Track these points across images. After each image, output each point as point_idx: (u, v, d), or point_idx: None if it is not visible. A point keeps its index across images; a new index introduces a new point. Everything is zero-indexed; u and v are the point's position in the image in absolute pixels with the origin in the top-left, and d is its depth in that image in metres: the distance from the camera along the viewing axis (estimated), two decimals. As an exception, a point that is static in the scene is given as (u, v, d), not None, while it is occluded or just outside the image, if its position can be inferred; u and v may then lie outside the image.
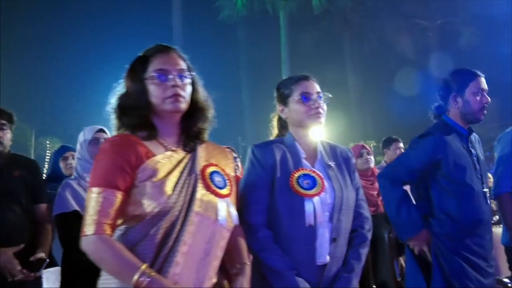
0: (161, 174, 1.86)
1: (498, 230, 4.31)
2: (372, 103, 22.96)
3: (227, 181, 2.03)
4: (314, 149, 2.51)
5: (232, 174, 2.12)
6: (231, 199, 2.03)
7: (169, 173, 1.88)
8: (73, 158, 4.31)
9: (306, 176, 2.36)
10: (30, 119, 20.81)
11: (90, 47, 20.94)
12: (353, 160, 2.62)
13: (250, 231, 2.25)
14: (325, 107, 2.48)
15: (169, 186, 1.85)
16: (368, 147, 5.25)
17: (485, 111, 3.09)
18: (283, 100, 2.52)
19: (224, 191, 1.99)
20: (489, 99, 3.09)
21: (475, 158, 3.09)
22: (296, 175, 2.36)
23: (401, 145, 5.96)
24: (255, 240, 2.27)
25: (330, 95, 2.51)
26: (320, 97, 2.48)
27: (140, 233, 1.82)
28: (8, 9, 20.39)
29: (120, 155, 1.84)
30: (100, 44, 20.66)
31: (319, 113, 2.44)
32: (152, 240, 1.80)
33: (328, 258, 2.34)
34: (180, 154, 1.97)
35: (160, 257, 1.80)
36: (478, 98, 3.07)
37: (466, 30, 21.47)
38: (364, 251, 2.46)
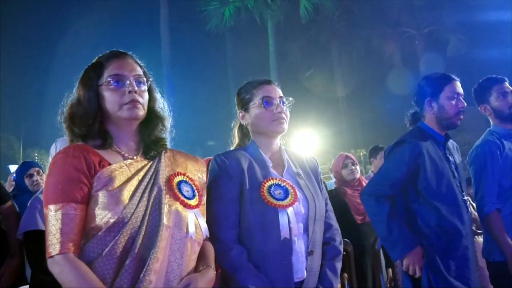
0: (117, 182, 1.75)
1: (480, 240, 4.25)
2: (361, 111, 23.03)
3: (195, 191, 1.94)
4: (280, 158, 2.37)
5: (202, 182, 2.02)
6: (200, 210, 1.93)
7: (126, 181, 1.77)
8: (38, 174, 4.32)
9: (277, 186, 2.21)
10: (18, 131, 20.67)
11: (77, 59, 20.83)
12: (319, 169, 2.50)
13: (222, 249, 2.11)
14: (288, 113, 2.35)
15: (125, 195, 1.73)
16: (352, 157, 5.10)
17: (461, 116, 2.98)
18: (244, 105, 2.38)
19: (193, 202, 1.89)
20: (465, 104, 2.98)
21: (453, 166, 2.99)
22: (267, 185, 2.20)
23: None
24: (228, 260, 2.11)
25: (293, 100, 2.39)
26: (283, 102, 2.34)
27: (96, 248, 1.69)
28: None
29: (72, 166, 1.72)
30: (88, 56, 20.58)
31: (282, 118, 2.30)
32: (111, 256, 1.68)
33: (305, 273, 2.19)
34: (140, 162, 1.87)
35: (124, 274, 1.67)
36: (453, 102, 2.97)
37: (453, 37, 21.61)
38: (339, 265, 2.32)
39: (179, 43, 21.81)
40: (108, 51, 1.94)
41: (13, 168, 5.65)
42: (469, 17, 20.48)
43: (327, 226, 2.36)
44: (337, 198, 4.71)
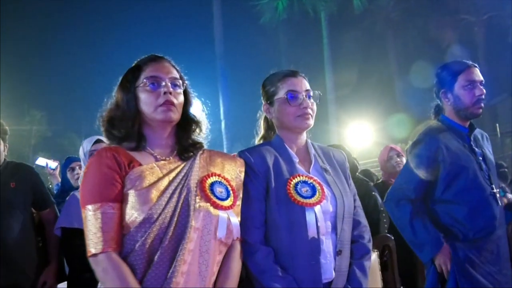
0: (146, 182, 1.77)
1: None
2: (419, 103, 22.46)
3: (230, 192, 1.92)
4: (306, 153, 2.27)
5: (240, 181, 2.01)
6: (234, 211, 1.92)
7: (156, 181, 1.79)
8: (80, 168, 4.34)
9: (303, 183, 2.11)
10: (79, 129, 21.26)
11: (114, 52, 21.12)
12: (347, 164, 2.39)
13: (248, 250, 2.03)
14: (314, 107, 2.23)
15: (154, 195, 1.76)
16: (398, 148, 4.97)
17: (482, 104, 2.84)
18: (269, 98, 2.28)
19: (226, 203, 1.88)
20: (484, 91, 2.84)
21: (480, 158, 2.83)
22: (293, 182, 2.10)
23: None
24: (254, 262, 2.03)
25: (320, 93, 2.28)
26: (310, 96, 2.22)
27: (125, 247, 1.73)
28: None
29: (106, 166, 1.77)
30: (133, 51, 20.94)
31: (307, 114, 2.19)
32: (138, 256, 1.71)
33: (334, 273, 2.10)
34: (173, 163, 1.88)
35: (150, 275, 1.70)
36: (469, 91, 2.83)
37: (513, 23, 20.77)
38: (369, 264, 2.21)
39: (233, 37, 21.87)
40: (146, 55, 1.98)
41: (41, 161, 5.72)
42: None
43: (356, 223, 2.26)
44: (385, 190, 4.66)
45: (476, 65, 2.94)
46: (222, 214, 1.85)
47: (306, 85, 2.23)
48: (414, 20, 22.52)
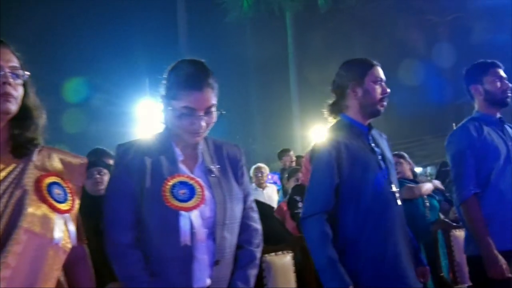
0: None
1: (457, 233, 4.03)
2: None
3: (68, 195, 1.76)
4: (194, 150, 2.09)
5: (79, 185, 1.83)
6: (71, 215, 1.75)
7: None
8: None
9: (182, 184, 1.95)
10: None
11: (90, 48, 20.78)
12: (243, 161, 2.21)
13: (115, 253, 1.93)
14: (212, 121, 2.03)
15: None
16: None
17: (385, 103, 2.75)
18: (165, 98, 2.07)
19: (64, 206, 1.72)
20: (389, 90, 2.76)
21: (379, 157, 2.71)
22: (170, 183, 1.94)
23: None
24: (121, 266, 1.92)
25: (224, 112, 2.07)
26: (210, 111, 2.01)
27: None
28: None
29: None
30: (104, 47, 20.53)
31: (199, 133, 2.01)
32: None
33: (208, 281, 1.97)
34: (6, 161, 1.69)
35: None
36: (378, 87, 2.74)
37: (477, 24, 21.03)
38: (253, 272, 2.10)
39: (197, 36, 21.59)
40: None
41: None
42: (493, 3, 19.93)
43: (244, 227, 2.12)
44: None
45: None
46: (59, 217, 1.70)
47: (210, 99, 2.01)
48: (381, 20, 22.65)
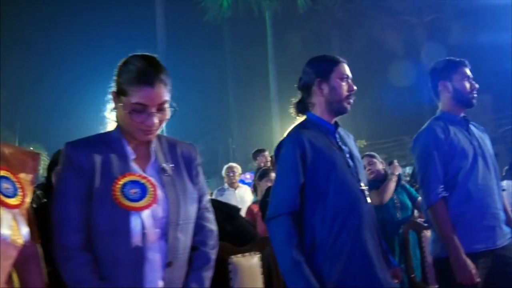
0: None
1: (428, 234, 3.99)
2: (363, 101, 22.76)
3: (18, 189, 1.70)
4: (148, 148, 2.01)
5: (28, 179, 1.78)
6: (21, 210, 1.69)
7: None
8: None
9: (134, 183, 1.88)
10: (13, 126, 20.47)
11: (71, 52, 20.61)
12: (198, 160, 2.14)
13: (63, 256, 1.84)
14: (165, 117, 1.95)
15: None
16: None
17: (351, 101, 2.67)
18: (118, 93, 1.96)
19: (13, 201, 1.67)
20: (355, 87, 2.67)
21: (347, 155, 2.64)
22: (121, 182, 1.86)
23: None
24: (68, 270, 1.84)
25: (176, 108, 1.99)
26: (162, 109, 1.93)
27: None
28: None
29: None
30: (83, 49, 20.32)
31: (151, 131, 1.93)
32: None
33: (161, 283, 1.90)
34: None
35: None
36: (344, 84, 2.65)
37: (455, 25, 21.23)
38: (208, 274, 2.04)
39: (176, 35, 21.48)
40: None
41: None
42: (471, 4, 20.12)
43: (199, 228, 2.05)
44: None
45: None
46: (7, 212, 1.65)
47: (163, 95, 1.92)
48: (359, 21, 22.77)
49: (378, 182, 4.77)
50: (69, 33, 20.80)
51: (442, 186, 2.95)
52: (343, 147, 2.67)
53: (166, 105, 1.93)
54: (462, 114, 3.16)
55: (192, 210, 2.00)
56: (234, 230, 3.57)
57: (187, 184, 2.02)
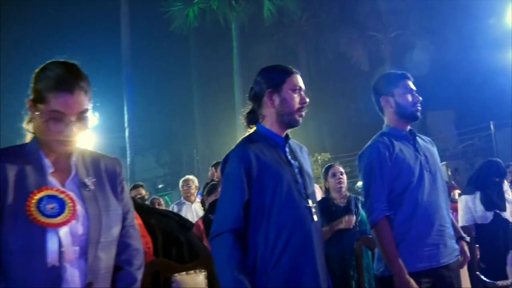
0: None
1: None
2: (328, 114, 22.90)
3: None
4: (67, 161, 1.89)
5: None
6: None
7: None
8: None
9: (51, 198, 1.76)
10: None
11: (30, 54, 20.09)
12: (122, 176, 2.04)
13: None
14: (82, 128, 1.85)
15: None
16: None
17: (303, 113, 2.60)
18: (35, 100, 1.85)
19: None
20: (307, 99, 2.60)
21: (296, 170, 2.55)
22: (37, 197, 1.74)
23: None
24: None
25: (87, 116, 1.88)
26: (82, 118, 1.84)
27: None
28: None
29: None
30: (42, 52, 19.90)
31: (67, 142, 1.83)
32: None
33: None
34: None
35: None
36: (296, 95, 2.58)
37: (419, 41, 21.59)
38: None
39: (141, 44, 21.29)
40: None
41: None
42: (434, 22, 20.53)
43: (123, 246, 1.95)
44: None
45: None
46: None
47: (81, 104, 1.82)
48: (325, 35, 22.95)
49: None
50: (27, 40, 20.40)
51: (385, 204, 2.89)
52: (293, 161, 2.58)
53: (86, 115, 1.82)
54: (408, 128, 3.11)
55: (115, 227, 1.89)
56: (188, 241, 3.51)
57: (111, 199, 1.90)
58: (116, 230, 1.91)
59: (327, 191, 4.92)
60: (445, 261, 2.91)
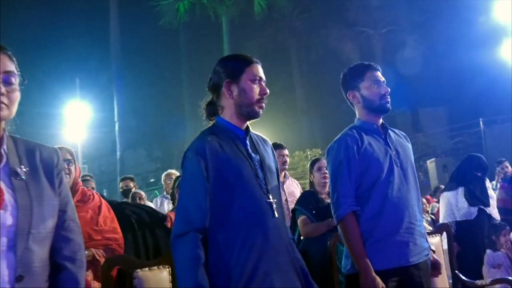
0: None
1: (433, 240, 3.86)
2: (319, 110, 22.83)
3: None
4: None
5: None
6: None
7: None
8: None
9: None
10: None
11: (17, 46, 20.03)
12: (61, 166, 1.94)
13: None
14: (13, 94, 1.77)
15: None
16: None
17: (263, 105, 2.47)
18: None
19: None
20: (267, 90, 2.47)
21: (257, 164, 2.42)
22: None
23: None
24: None
25: (24, 80, 1.82)
26: (8, 81, 1.76)
27: None
28: None
29: None
30: (32, 47, 19.73)
31: None
32: None
33: None
34: None
35: None
36: (256, 86, 2.45)
37: (409, 38, 21.58)
38: None
39: (130, 38, 21.14)
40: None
41: None
42: (425, 17, 20.52)
43: (65, 241, 1.86)
44: None
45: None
46: None
47: (5, 63, 1.75)
48: (316, 30, 22.89)
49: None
50: (15, 31, 20.21)
51: (352, 199, 2.80)
52: (253, 155, 2.45)
53: (12, 79, 1.74)
54: (380, 121, 3.02)
55: (50, 218, 1.79)
56: (165, 234, 3.51)
57: (45, 190, 1.81)
58: (51, 222, 1.81)
59: (311, 184, 4.83)
60: (415, 260, 2.80)
